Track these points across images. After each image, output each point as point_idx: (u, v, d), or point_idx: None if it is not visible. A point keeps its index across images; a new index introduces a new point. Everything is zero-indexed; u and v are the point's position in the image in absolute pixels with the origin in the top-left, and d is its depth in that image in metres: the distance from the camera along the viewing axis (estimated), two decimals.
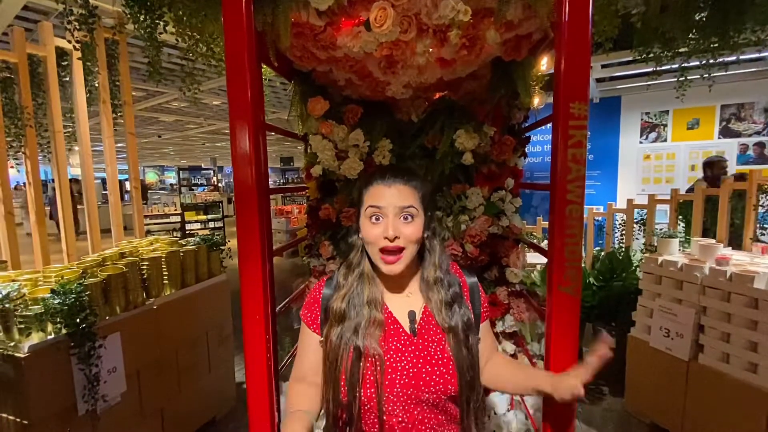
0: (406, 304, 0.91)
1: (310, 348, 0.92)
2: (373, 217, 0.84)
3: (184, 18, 1.73)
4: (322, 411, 0.89)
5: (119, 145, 3.69)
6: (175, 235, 8.49)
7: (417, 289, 0.92)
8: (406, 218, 0.84)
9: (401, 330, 0.88)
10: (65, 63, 2.63)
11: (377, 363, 0.83)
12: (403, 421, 0.83)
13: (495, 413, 1.63)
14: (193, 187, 11.21)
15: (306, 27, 1.08)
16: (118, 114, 2.83)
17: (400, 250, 0.84)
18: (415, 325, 0.88)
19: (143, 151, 14.96)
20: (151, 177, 20.81)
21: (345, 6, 1.01)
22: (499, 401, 1.63)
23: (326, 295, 0.92)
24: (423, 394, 0.83)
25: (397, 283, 0.92)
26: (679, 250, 2.57)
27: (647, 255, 2.58)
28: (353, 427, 0.83)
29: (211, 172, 13.40)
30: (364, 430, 0.84)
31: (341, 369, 0.83)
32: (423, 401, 0.84)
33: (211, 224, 9.24)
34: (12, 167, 2.55)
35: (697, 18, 2.05)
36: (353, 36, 1.06)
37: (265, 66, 1.41)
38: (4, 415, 1.59)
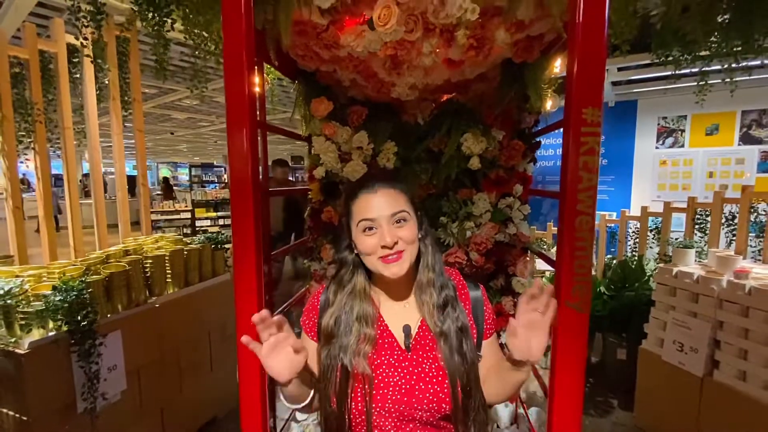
0: (402, 316, 0.88)
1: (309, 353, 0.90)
2: (367, 230, 0.83)
3: (191, 15, 1.72)
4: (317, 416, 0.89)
5: (131, 141, 3.73)
6: (185, 231, 8.58)
7: (413, 298, 0.90)
8: (399, 222, 0.83)
9: (395, 344, 0.86)
10: (76, 60, 2.64)
11: (366, 381, 0.81)
12: None
13: (498, 426, 1.58)
14: (204, 184, 11.32)
15: (308, 25, 1.04)
16: (128, 111, 2.85)
17: (401, 252, 0.82)
18: (410, 341, 0.85)
19: (157, 147, 15.17)
20: (164, 173, 21.08)
21: (348, 4, 0.97)
22: (502, 415, 1.58)
23: (323, 302, 0.91)
24: (416, 412, 0.81)
25: (396, 293, 0.90)
26: (696, 260, 2.47)
27: (661, 265, 2.49)
28: None
29: (223, 169, 13.50)
30: None
31: (330, 386, 0.82)
32: (416, 419, 0.81)
33: (221, 221, 9.31)
34: (21, 162, 2.58)
35: (720, 20, 1.97)
36: (357, 35, 1.02)
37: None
38: (4, 410, 1.59)
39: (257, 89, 1.12)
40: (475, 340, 0.88)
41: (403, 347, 0.85)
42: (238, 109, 0.93)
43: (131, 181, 4.94)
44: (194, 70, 2.32)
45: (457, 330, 0.84)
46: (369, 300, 0.87)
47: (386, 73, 1.19)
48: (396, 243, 0.81)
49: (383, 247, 0.81)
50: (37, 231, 2.82)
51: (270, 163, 3.62)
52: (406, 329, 0.86)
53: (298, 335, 0.95)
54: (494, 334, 0.94)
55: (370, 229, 0.82)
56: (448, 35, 1.01)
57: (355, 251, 0.87)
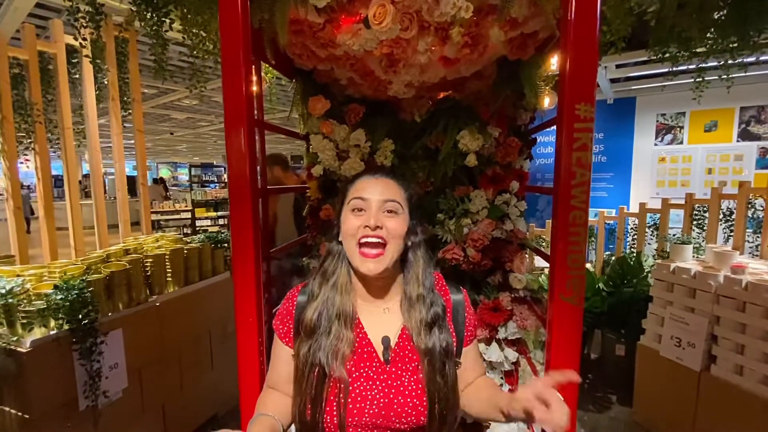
0: (381, 325, 0.86)
1: (281, 360, 0.88)
2: (356, 209, 0.82)
3: (189, 15, 1.73)
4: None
5: (131, 142, 3.73)
6: (185, 231, 8.60)
7: (396, 305, 0.87)
8: (390, 212, 0.82)
9: (374, 355, 0.83)
10: (75, 60, 2.65)
11: (341, 388, 0.78)
12: None
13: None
14: (204, 184, 11.34)
15: (305, 24, 1.05)
16: (128, 111, 2.86)
17: (383, 245, 0.80)
18: (389, 353, 0.83)
19: (156, 147, 15.17)
20: (164, 173, 21.11)
21: (344, 3, 0.98)
22: None
23: (300, 304, 0.87)
24: (394, 424, 0.79)
25: (375, 292, 0.87)
26: (693, 256, 2.49)
27: (659, 261, 2.50)
28: None
29: (223, 169, 13.51)
30: None
31: (307, 389, 0.79)
32: (393, 429, 0.80)
33: (221, 221, 9.34)
34: (21, 163, 2.59)
35: (716, 17, 1.98)
36: (353, 34, 1.03)
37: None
38: (6, 408, 1.61)
39: (255, 88, 1.13)
40: (455, 347, 0.86)
41: (382, 360, 0.82)
42: (235, 108, 0.95)
43: (131, 181, 4.96)
44: (193, 70, 2.33)
45: (441, 350, 0.82)
46: (349, 296, 0.85)
47: (382, 71, 1.20)
48: (380, 228, 0.79)
49: (366, 227, 0.79)
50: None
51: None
52: (385, 341, 0.83)
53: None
54: (474, 340, 0.93)
55: (360, 210, 0.82)
56: (442, 33, 1.02)
57: (340, 238, 0.86)
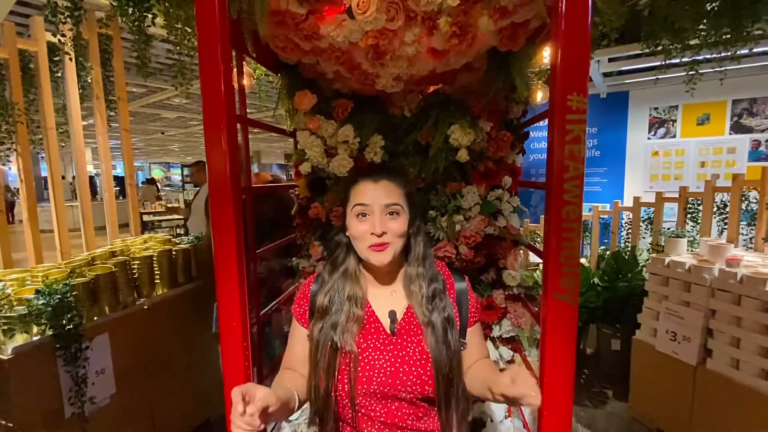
0: (388, 303, 0.93)
1: (298, 341, 0.96)
2: (360, 215, 0.88)
3: (171, 10, 1.67)
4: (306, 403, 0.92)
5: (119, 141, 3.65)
6: (178, 231, 8.50)
7: (401, 287, 0.95)
8: (391, 214, 0.88)
9: (381, 329, 0.91)
10: (57, 58, 2.58)
11: (352, 359, 0.86)
12: (382, 416, 0.87)
13: (491, 420, 1.57)
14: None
15: (286, 15, 1.01)
16: (113, 110, 2.79)
17: (386, 244, 0.87)
18: (395, 326, 0.91)
19: (149, 148, 15.01)
20: (157, 173, 20.92)
21: None
22: (496, 409, 1.57)
23: (314, 291, 0.96)
24: (400, 393, 0.86)
25: (382, 279, 0.95)
26: (688, 250, 2.47)
27: (654, 255, 2.49)
28: (330, 415, 0.87)
29: None
30: (342, 420, 0.90)
31: (320, 362, 0.87)
32: (401, 398, 0.87)
33: None
34: (4, 164, 2.53)
35: (709, 8, 1.95)
36: (337, 25, 0.99)
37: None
38: None
39: (236, 83, 1.09)
40: (458, 328, 0.94)
41: (389, 332, 0.90)
42: (214, 102, 0.91)
43: (123, 182, 4.88)
44: (178, 68, 2.27)
45: (444, 321, 0.89)
46: (359, 282, 0.93)
47: (369, 64, 1.15)
48: (385, 233, 0.86)
49: (372, 234, 0.86)
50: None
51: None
52: (392, 315, 0.91)
53: (289, 321, 1.01)
54: (477, 322, 1.00)
55: (364, 215, 0.88)
56: (430, 23, 0.98)
57: (347, 232, 0.93)
